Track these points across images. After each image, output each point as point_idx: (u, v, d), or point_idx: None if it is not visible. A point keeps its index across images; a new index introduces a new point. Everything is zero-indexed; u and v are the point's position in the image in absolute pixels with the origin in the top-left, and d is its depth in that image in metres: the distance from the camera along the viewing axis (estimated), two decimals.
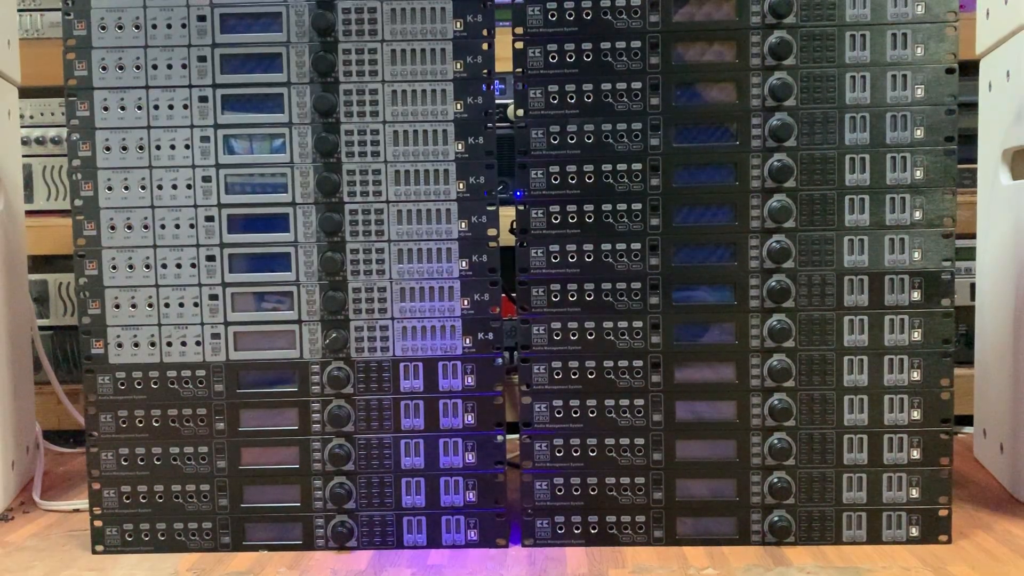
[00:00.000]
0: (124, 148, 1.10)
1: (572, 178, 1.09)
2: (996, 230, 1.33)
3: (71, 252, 1.11)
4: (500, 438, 1.11)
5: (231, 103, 1.09)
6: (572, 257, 1.09)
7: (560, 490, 1.10)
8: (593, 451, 1.10)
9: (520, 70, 1.08)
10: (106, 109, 1.09)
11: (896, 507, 1.09)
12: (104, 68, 1.09)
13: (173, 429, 1.11)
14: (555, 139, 1.08)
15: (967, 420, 1.53)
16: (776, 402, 1.08)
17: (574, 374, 1.10)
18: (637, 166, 1.08)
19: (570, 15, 1.07)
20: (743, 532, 1.10)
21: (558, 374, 1.10)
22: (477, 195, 1.10)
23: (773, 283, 1.08)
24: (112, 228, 1.10)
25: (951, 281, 1.07)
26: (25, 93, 1.51)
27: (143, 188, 1.10)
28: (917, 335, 1.08)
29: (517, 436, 1.12)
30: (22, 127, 1.67)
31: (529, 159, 1.09)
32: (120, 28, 1.09)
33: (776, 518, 1.09)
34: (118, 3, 1.08)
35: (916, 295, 1.08)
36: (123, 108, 1.09)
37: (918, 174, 1.07)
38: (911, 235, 1.07)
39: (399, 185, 1.10)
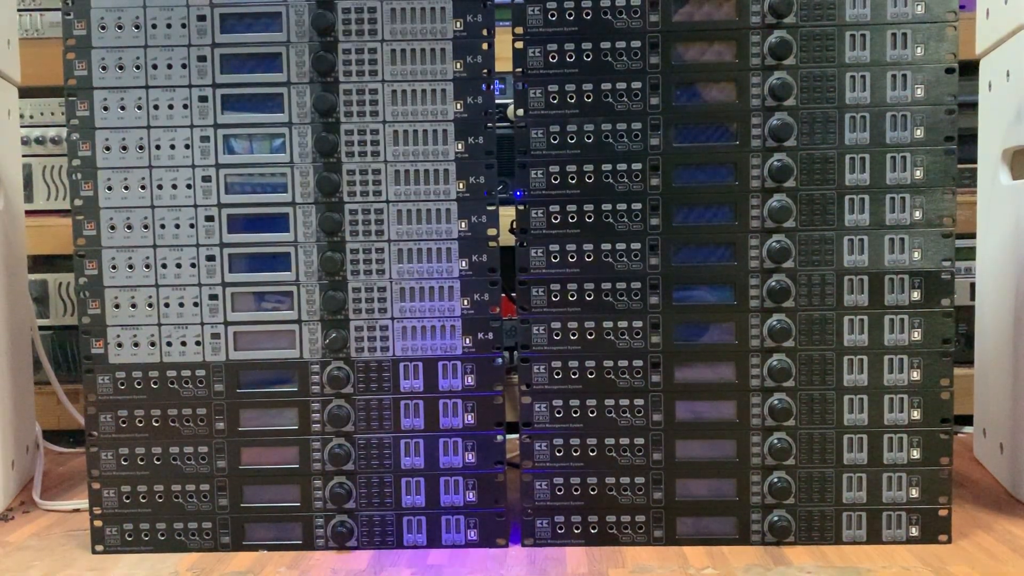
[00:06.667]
0: (124, 148, 1.10)
1: (572, 178, 1.09)
2: (996, 230, 1.33)
3: (71, 252, 1.11)
4: (500, 438, 1.11)
5: (231, 103, 1.09)
6: (572, 257, 1.09)
7: (560, 490, 1.10)
8: (593, 451, 1.10)
9: (520, 70, 1.08)
10: (106, 109, 1.09)
11: (896, 507, 1.09)
12: (104, 68, 1.09)
13: (173, 429, 1.11)
14: (555, 139, 1.08)
15: (967, 420, 1.53)
16: (776, 402, 1.08)
17: (574, 374, 1.10)
18: (637, 166, 1.08)
19: (570, 15, 1.07)
20: (743, 532, 1.10)
21: (558, 374, 1.10)
22: (477, 195, 1.10)
23: (773, 283, 1.08)
24: (112, 228, 1.10)
25: (951, 281, 1.07)
26: (25, 93, 1.51)
27: (143, 188, 1.10)
28: (917, 335, 1.08)
29: (517, 436, 1.12)
30: (22, 127, 1.67)
31: (529, 159, 1.09)
32: (120, 28, 1.09)
33: (776, 518, 1.09)
34: (118, 3, 1.08)
35: (916, 295, 1.08)
36: (123, 108, 1.09)
37: (918, 174, 1.07)
38: (911, 235, 1.07)
39: (399, 185, 1.10)
